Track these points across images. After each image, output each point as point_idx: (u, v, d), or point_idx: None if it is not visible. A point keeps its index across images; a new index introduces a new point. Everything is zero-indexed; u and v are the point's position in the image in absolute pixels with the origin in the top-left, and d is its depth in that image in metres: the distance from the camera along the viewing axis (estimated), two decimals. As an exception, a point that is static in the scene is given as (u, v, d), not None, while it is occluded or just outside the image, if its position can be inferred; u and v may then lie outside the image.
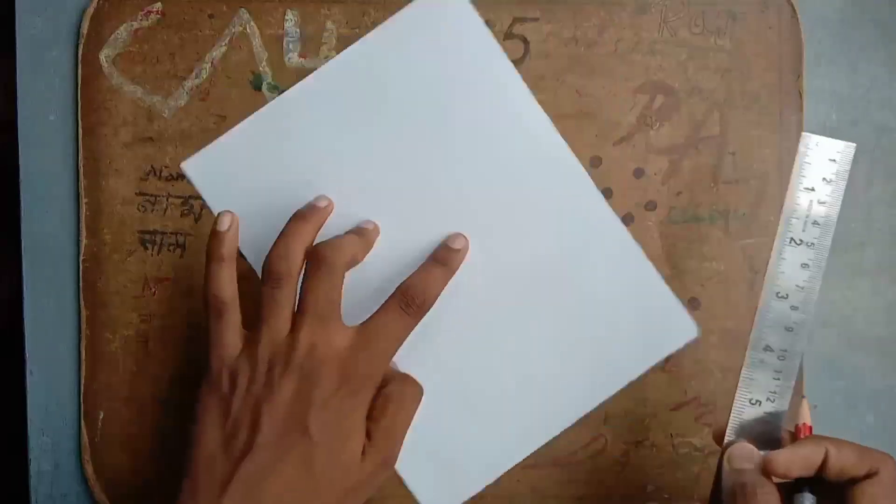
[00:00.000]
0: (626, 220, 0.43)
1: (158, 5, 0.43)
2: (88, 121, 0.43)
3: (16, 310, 0.43)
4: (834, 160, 0.35)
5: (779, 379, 0.35)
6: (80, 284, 0.43)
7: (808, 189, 0.35)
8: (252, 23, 0.43)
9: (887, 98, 0.44)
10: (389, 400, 0.37)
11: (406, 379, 0.38)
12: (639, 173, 0.43)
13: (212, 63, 0.43)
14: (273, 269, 0.37)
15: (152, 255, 0.43)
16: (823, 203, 0.35)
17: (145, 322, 0.43)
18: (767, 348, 0.35)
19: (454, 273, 0.38)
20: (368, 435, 0.37)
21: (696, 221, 0.43)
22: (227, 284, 0.38)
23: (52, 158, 0.43)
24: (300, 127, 0.39)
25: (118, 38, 0.43)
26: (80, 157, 0.43)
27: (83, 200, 0.43)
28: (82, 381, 0.43)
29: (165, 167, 0.43)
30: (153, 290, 0.43)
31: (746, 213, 0.43)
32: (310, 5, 0.43)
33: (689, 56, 0.43)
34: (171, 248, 0.43)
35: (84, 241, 0.43)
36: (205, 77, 0.43)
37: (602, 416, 0.43)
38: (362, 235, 0.39)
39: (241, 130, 0.40)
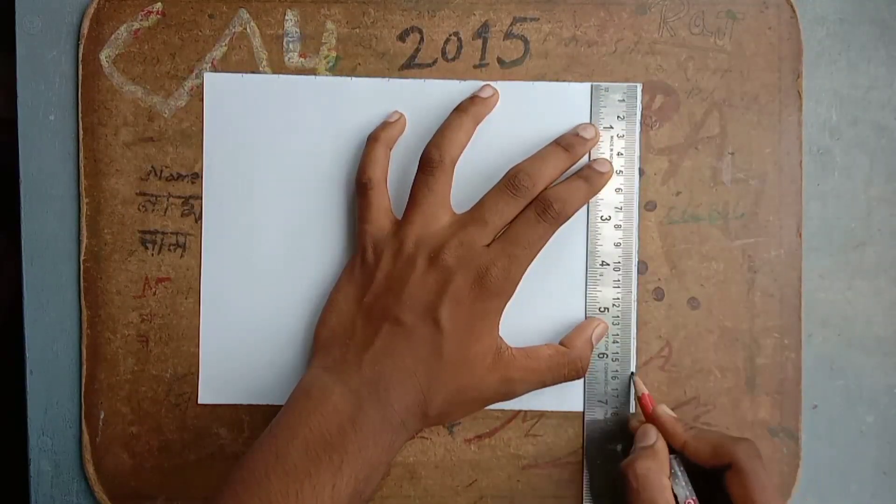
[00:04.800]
0: (626, 219, 0.43)
1: (158, 5, 0.43)
2: (88, 121, 0.43)
3: (16, 310, 0.43)
4: (623, 100, 0.42)
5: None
6: (81, 284, 0.43)
7: (607, 127, 0.43)
8: (252, 23, 0.43)
9: (887, 98, 0.44)
10: (551, 356, 0.40)
11: (572, 357, 0.40)
12: (639, 173, 0.43)
13: (212, 63, 0.43)
14: (427, 157, 0.40)
15: (152, 255, 0.43)
16: (622, 137, 0.43)
17: (145, 322, 0.43)
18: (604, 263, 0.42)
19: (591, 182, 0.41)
20: (510, 355, 0.39)
21: (695, 221, 0.43)
22: (377, 164, 0.41)
23: (52, 158, 0.43)
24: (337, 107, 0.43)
25: (118, 38, 0.43)
26: (80, 157, 0.43)
27: (83, 200, 0.43)
28: (82, 381, 0.43)
29: (166, 167, 0.43)
30: (153, 290, 0.43)
31: (746, 212, 0.43)
32: (310, 5, 0.43)
33: (688, 56, 0.43)
34: (172, 248, 0.43)
35: (84, 241, 0.43)
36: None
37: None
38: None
39: (279, 81, 0.43)
